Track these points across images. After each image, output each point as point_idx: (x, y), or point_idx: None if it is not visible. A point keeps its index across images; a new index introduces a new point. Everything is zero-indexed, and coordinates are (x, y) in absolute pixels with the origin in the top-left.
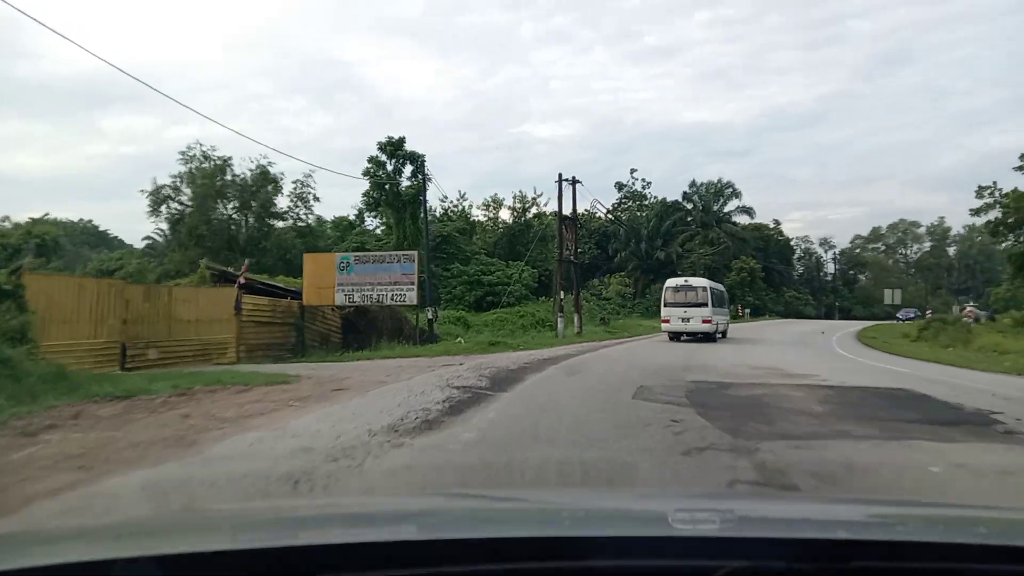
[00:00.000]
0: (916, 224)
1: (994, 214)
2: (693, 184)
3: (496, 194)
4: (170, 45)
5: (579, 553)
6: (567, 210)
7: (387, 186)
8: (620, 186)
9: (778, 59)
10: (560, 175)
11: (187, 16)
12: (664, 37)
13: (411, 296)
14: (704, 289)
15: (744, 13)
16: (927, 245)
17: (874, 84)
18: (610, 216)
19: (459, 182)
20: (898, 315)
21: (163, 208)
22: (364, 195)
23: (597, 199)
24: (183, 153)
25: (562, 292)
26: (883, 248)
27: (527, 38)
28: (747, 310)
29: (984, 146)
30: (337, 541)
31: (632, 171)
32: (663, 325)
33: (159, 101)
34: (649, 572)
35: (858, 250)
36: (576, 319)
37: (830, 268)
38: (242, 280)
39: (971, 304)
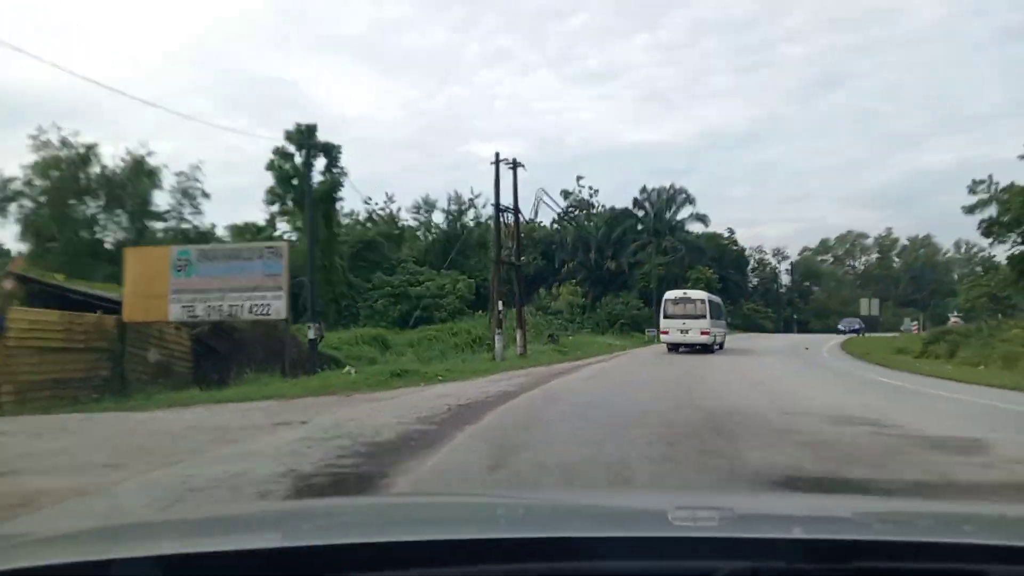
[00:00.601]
0: (864, 235)
1: (989, 212)
2: (644, 190)
3: (428, 195)
4: (108, 60)
5: (579, 553)
6: (507, 200)
7: (294, 182)
8: (566, 194)
9: (714, 82)
10: (496, 155)
11: (128, 29)
12: (605, 60)
13: (278, 307)
14: (703, 301)
15: (681, 38)
16: (875, 257)
17: (806, 106)
18: (560, 221)
19: (402, 202)
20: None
21: (11, 207)
22: (268, 193)
23: (543, 190)
24: (33, 138)
25: (501, 303)
26: (831, 260)
27: (472, 58)
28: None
29: (910, 165)
30: (337, 541)
31: (579, 178)
32: (662, 336)
33: None
34: (649, 572)
35: (816, 258)
36: (519, 337)
37: (784, 280)
38: (8, 284)
39: (955, 314)
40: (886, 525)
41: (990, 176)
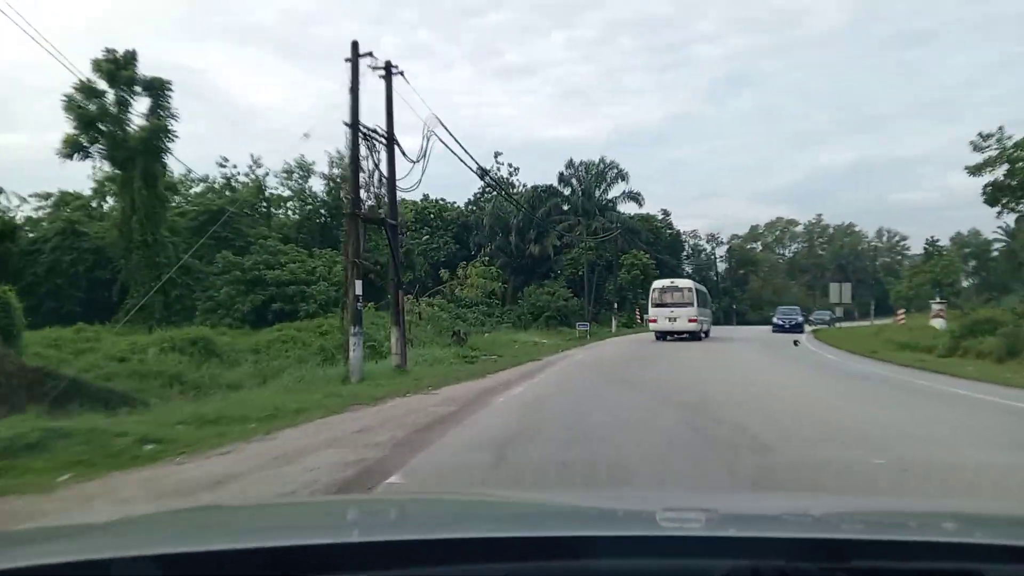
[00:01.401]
0: (793, 222)
1: (999, 173)
2: (570, 164)
3: (303, 156)
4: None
5: (579, 553)
6: (372, 118)
7: (102, 127)
8: (484, 172)
9: (631, 80)
10: (354, 45)
11: (24, 14)
12: (524, 56)
13: None
14: (690, 290)
15: (598, 35)
16: (803, 245)
17: (718, 106)
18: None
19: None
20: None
21: None
22: (64, 143)
23: (436, 117)
24: None
25: (359, 286)
26: (760, 247)
27: (389, 51)
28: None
29: (815, 162)
30: (337, 541)
31: (496, 155)
32: (651, 325)
33: None
34: (649, 571)
35: (749, 245)
36: (395, 339)
37: (719, 267)
38: None
39: (937, 300)
40: (885, 524)
41: (1000, 128)
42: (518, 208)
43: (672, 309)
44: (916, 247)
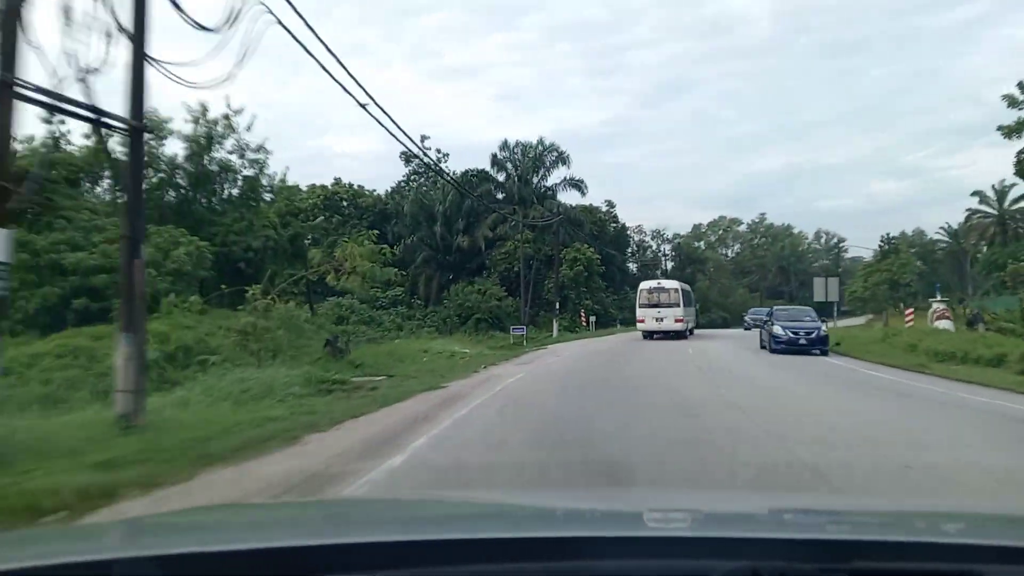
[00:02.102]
0: (737, 221)
1: None
2: (505, 146)
3: (156, 109)
4: None
5: (579, 553)
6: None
7: None
8: (408, 158)
9: (570, 84)
10: None
11: None
12: (464, 57)
13: None
14: (676, 290)
15: (537, 39)
16: (747, 245)
17: (655, 111)
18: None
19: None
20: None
21: None
22: None
23: None
24: None
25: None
26: (704, 247)
27: (325, 50)
28: (592, 317)
29: (748, 168)
30: (337, 541)
31: (424, 138)
32: (638, 325)
33: None
34: (649, 571)
35: (694, 244)
36: (123, 362)
37: (666, 265)
38: None
39: (938, 298)
40: (884, 525)
41: None
42: (453, 184)
43: (659, 309)
44: (852, 251)
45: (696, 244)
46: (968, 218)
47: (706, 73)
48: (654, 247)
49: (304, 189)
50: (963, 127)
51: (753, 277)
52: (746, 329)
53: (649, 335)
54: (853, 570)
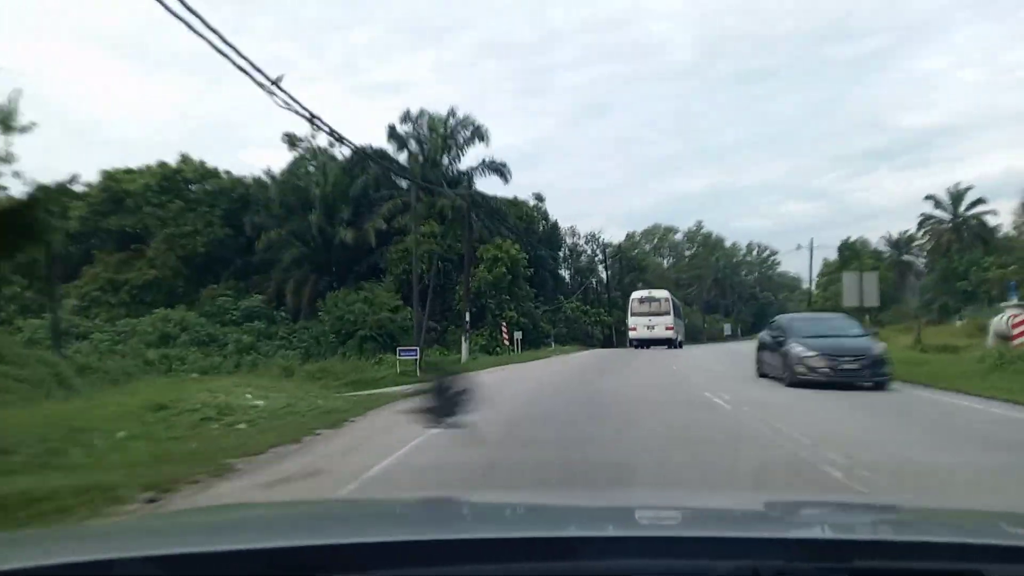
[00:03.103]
0: (672, 229)
1: None
2: (407, 117)
3: None
4: None
5: (578, 553)
6: None
7: None
8: (293, 141)
9: (497, 103)
10: None
11: None
12: (389, 74)
13: None
14: (666, 300)
15: (464, 58)
16: (685, 254)
17: (578, 131)
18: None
19: None
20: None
21: None
22: None
23: None
24: None
25: None
26: (639, 256)
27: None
28: (517, 333)
29: (670, 189)
30: (337, 541)
31: (312, 118)
32: (630, 333)
33: None
34: (649, 572)
35: (634, 251)
36: None
37: (602, 273)
38: None
39: (1015, 301)
40: (885, 525)
41: None
42: (324, 179)
43: (650, 318)
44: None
45: (632, 253)
46: (920, 224)
47: (629, 95)
48: (589, 252)
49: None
50: (868, 152)
51: (690, 290)
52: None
53: (640, 343)
54: (853, 570)
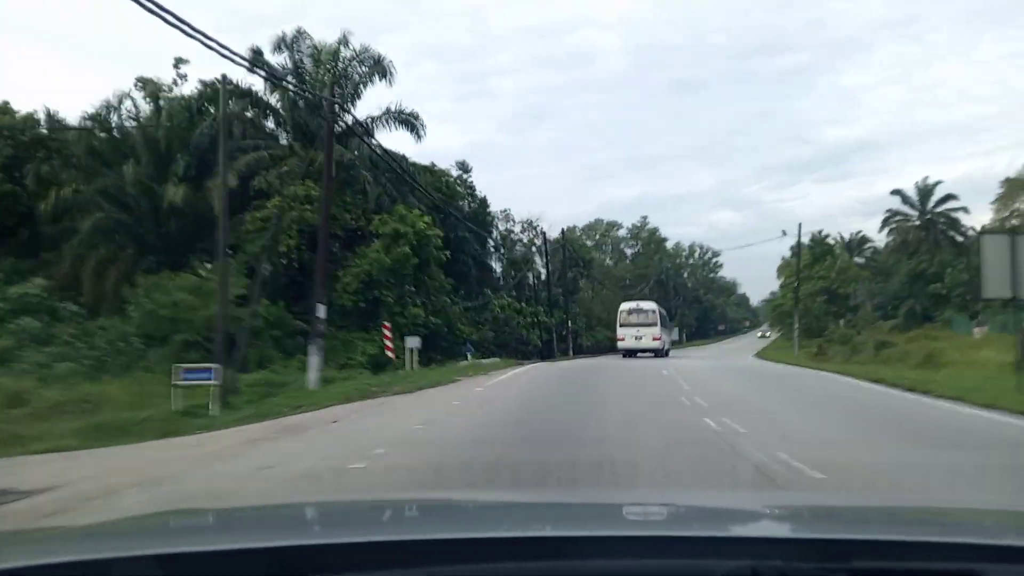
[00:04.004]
0: (615, 224)
1: None
2: (282, 42)
3: None
4: None
5: (578, 553)
6: None
7: None
8: (147, 83)
9: (434, 106)
10: None
11: None
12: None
13: None
14: (654, 311)
15: (401, 58)
16: (628, 251)
17: (516, 137)
18: None
19: None
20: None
21: None
22: None
23: None
24: None
25: None
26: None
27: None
28: (412, 341)
29: (604, 196)
30: (337, 541)
31: (177, 63)
32: (619, 343)
33: None
34: (649, 572)
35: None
36: None
37: (539, 265)
38: None
39: None
40: (884, 525)
41: None
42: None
43: (638, 328)
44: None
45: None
46: (885, 221)
47: (565, 103)
48: (525, 240)
49: None
50: (793, 164)
51: (634, 291)
52: None
53: (629, 353)
54: (853, 570)
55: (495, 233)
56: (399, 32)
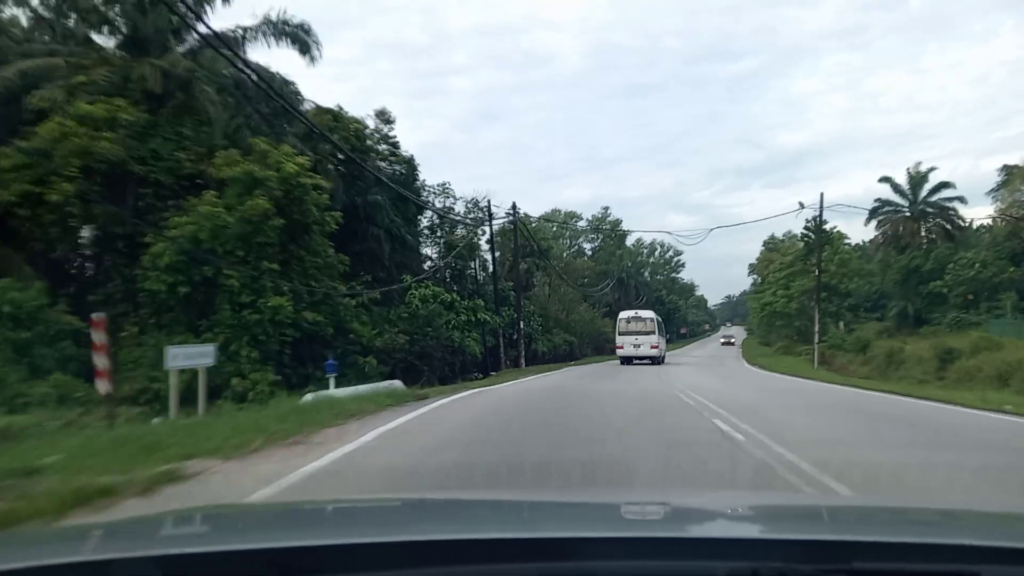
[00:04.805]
0: (574, 215)
1: None
2: None
3: None
4: None
5: (579, 554)
6: None
7: None
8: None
9: (389, 103)
10: None
11: None
12: (275, 69)
13: None
14: (652, 320)
15: (356, 55)
16: (588, 247)
17: (473, 135)
18: None
19: None
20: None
21: None
22: None
23: None
24: None
25: None
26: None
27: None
28: (196, 361)
29: (557, 197)
30: (337, 541)
31: None
32: (618, 351)
33: None
34: (649, 572)
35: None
36: None
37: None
38: None
39: None
40: (884, 525)
41: None
42: None
43: (637, 337)
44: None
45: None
46: (873, 212)
47: (520, 103)
48: (467, 216)
49: None
50: (744, 168)
51: (594, 289)
52: None
53: (627, 360)
54: (853, 570)
55: (430, 206)
56: (354, 30)
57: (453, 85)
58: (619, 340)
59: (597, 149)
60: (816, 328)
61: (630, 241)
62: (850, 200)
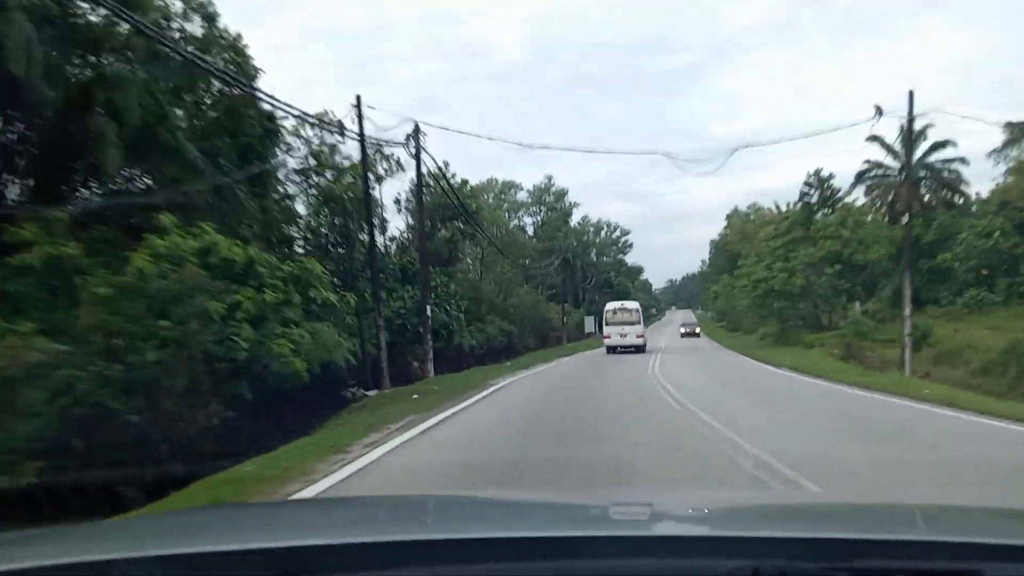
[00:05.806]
0: (514, 184)
1: None
2: None
3: None
4: None
5: (578, 553)
6: None
7: None
8: None
9: (323, 93)
10: None
11: None
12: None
13: None
14: (637, 310)
15: (291, 42)
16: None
17: (410, 126)
18: None
19: None
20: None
21: None
22: None
23: None
24: None
25: None
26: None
27: None
28: None
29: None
30: (337, 541)
31: None
32: (605, 341)
33: None
34: (650, 572)
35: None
36: None
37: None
38: None
39: None
40: (885, 523)
41: None
42: None
43: (623, 327)
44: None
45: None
46: (860, 176)
47: (460, 93)
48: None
49: None
50: (680, 158)
51: (535, 268)
52: None
53: (613, 349)
54: (854, 569)
55: (287, 130)
56: (288, 12)
57: (390, 74)
58: (606, 330)
59: (537, 139)
60: (907, 311)
61: (577, 216)
62: (778, 191)
